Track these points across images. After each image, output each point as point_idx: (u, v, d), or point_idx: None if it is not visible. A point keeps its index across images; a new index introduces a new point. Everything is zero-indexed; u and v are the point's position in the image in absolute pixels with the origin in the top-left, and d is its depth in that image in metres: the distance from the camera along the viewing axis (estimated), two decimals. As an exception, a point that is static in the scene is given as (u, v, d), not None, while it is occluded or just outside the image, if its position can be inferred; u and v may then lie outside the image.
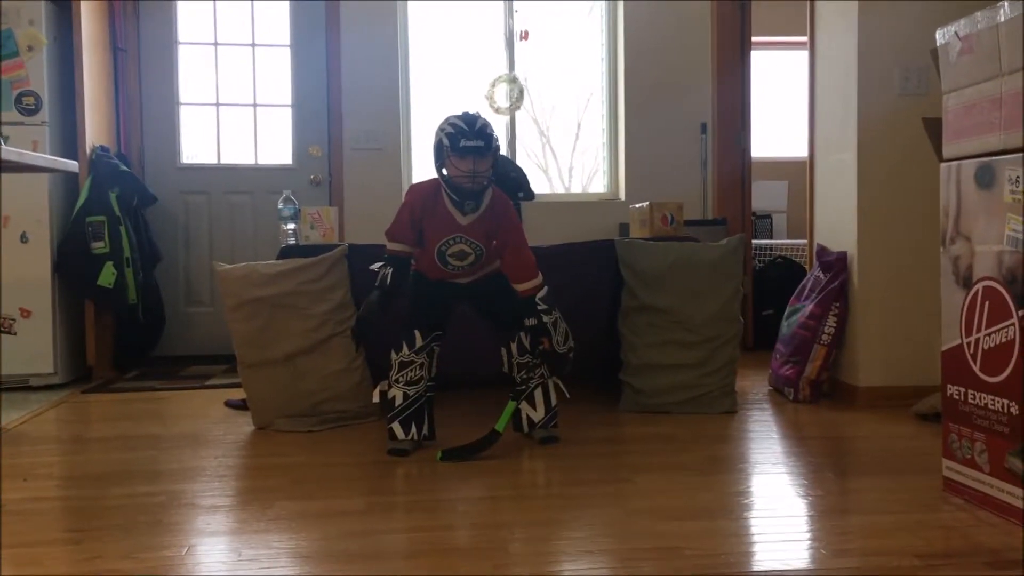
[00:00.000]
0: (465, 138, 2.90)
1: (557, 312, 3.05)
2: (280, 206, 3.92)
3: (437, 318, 3.09)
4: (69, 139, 4.64)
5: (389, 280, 3.04)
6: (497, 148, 2.99)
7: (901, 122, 3.65)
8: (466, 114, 2.96)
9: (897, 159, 3.69)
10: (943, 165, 2.49)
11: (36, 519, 2.42)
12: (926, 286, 3.36)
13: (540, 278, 3.05)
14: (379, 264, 3.09)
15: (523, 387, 3.13)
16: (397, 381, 3.05)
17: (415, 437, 3.04)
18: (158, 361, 5.18)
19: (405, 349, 3.04)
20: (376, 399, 3.11)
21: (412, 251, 3.10)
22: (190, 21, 5.44)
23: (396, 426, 3.03)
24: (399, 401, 3.04)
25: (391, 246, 3.10)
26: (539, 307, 3.01)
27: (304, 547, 2.16)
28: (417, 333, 3.04)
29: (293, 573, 2.00)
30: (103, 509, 2.50)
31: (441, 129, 2.96)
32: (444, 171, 2.96)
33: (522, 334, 3.09)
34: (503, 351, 3.17)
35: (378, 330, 3.06)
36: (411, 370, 3.05)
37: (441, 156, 2.95)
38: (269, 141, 5.51)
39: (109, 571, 1.99)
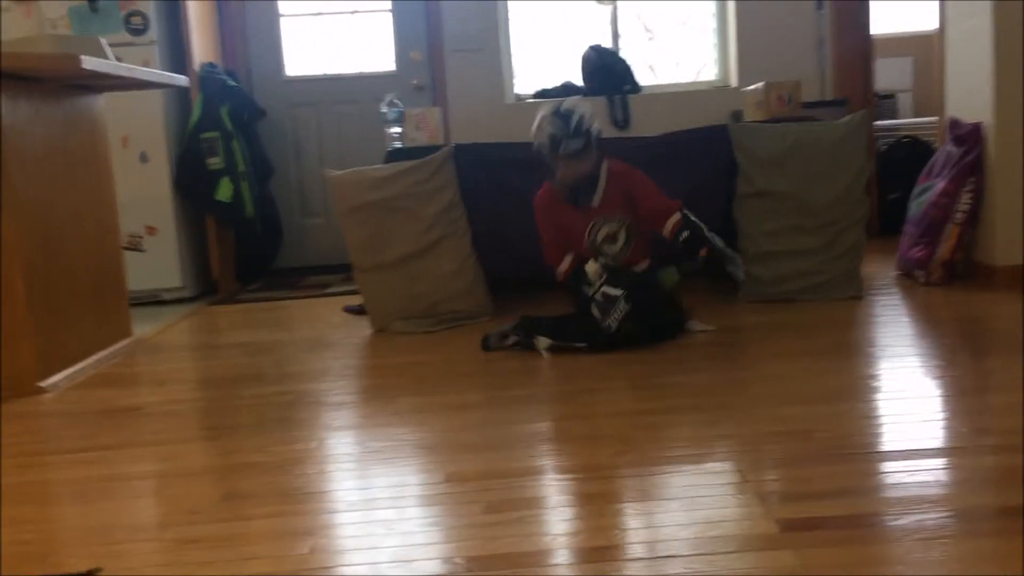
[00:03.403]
0: (565, 141, 2.98)
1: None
2: (384, 110, 3.91)
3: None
4: (177, 57, 4.71)
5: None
6: (593, 136, 3.03)
7: (1043, -24, 3.34)
8: (558, 113, 3.01)
9: (1038, 18, 3.39)
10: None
11: (174, 419, 2.54)
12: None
13: (678, 204, 3.07)
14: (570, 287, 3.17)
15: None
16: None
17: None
18: (278, 273, 5.33)
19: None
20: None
21: (576, 258, 3.14)
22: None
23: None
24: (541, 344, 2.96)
25: (561, 268, 3.17)
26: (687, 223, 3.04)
27: (427, 438, 2.19)
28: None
29: (418, 462, 2.03)
30: (236, 408, 2.61)
31: (540, 129, 3.04)
32: (556, 175, 3.07)
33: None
34: None
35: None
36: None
37: (547, 160, 3.06)
38: (370, 48, 5.48)
39: (244, 463, 2.07)
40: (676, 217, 3.04)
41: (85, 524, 1.77)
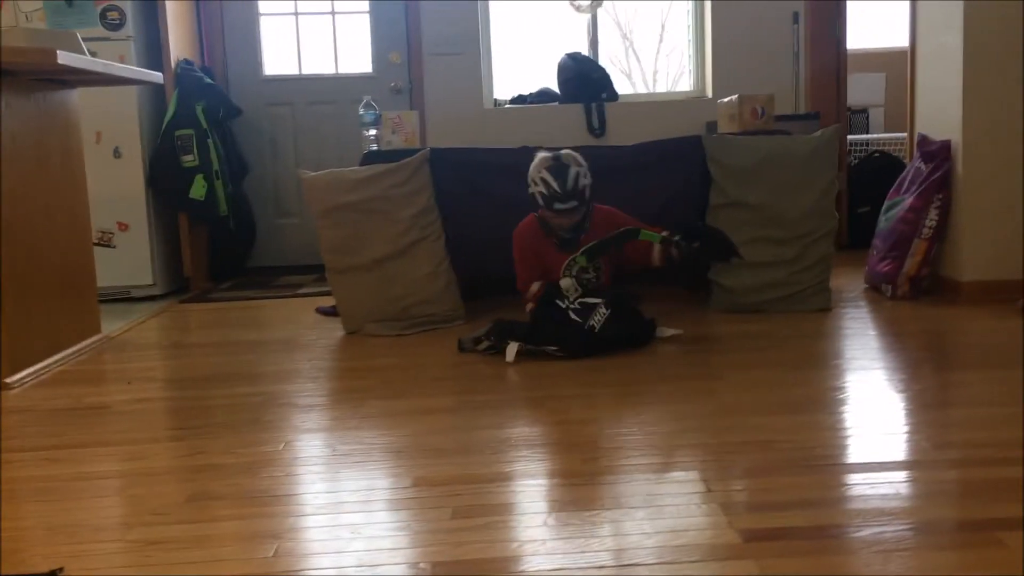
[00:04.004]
0: (559, 201, 3.08)
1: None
2: (361, 112, 3.91)
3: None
4: (154, 53, 4.68)
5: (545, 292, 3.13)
6: (587, 195, 3.11)
7: (1013, -3, 3.40)
8: (558, 167, 3.08)
9: (1007, 38, 3.44)
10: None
11: (141, 418, 2.52)
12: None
13: (660, 228, 3.09)
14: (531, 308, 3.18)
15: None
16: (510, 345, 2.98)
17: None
18: (251, 272, 5.31)
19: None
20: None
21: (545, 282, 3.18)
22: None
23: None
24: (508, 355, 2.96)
25: (531, 291, 3.20)
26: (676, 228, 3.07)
27: (395, 442, 2.19)
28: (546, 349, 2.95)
29: (386, 466, 2.03)
30: (204, 408, 2.59)
31: (535, 183, 3.13)
32: (544, 219, 3.18)
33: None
34: None
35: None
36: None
37: (538, 206, 3.16)
38: (349, 49, 5.47)
39: (211, 464, 2.06)
40: (665, 232, 3.06)
41: (49, 523, 1.75)
